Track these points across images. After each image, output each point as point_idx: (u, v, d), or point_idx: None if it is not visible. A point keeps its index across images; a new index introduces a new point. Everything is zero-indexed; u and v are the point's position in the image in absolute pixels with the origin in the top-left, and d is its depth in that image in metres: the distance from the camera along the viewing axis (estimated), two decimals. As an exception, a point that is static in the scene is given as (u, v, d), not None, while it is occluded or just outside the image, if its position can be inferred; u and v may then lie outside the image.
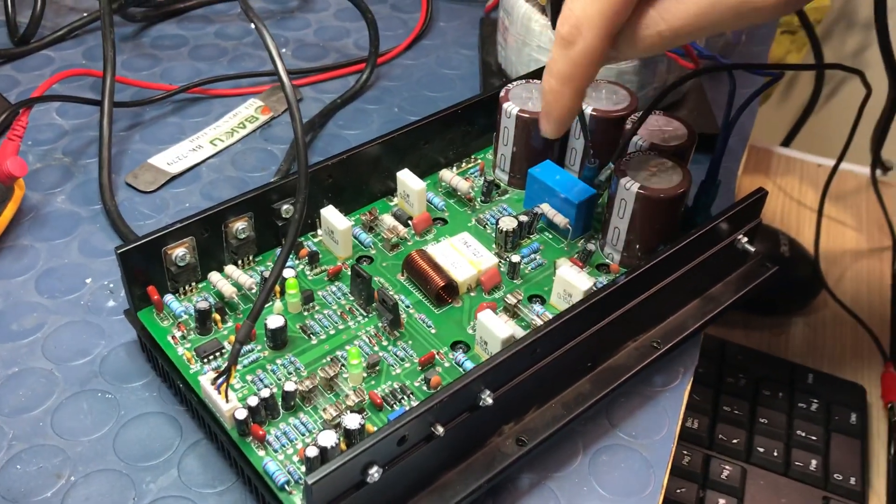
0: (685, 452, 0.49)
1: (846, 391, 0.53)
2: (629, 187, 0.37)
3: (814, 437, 0.50)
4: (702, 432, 0.50)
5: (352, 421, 0.31)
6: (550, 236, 0.41)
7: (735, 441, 0.50)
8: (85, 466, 0.35)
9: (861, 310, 0.60)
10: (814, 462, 0.48)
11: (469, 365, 0.35)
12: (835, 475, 0.48)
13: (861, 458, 0.49)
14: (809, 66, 0.55)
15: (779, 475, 0.48)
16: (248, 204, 0.38)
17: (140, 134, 0.52)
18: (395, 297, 0.36)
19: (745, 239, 0.40)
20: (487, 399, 0.31)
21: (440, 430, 0.30)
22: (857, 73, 0.43)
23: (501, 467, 0.33)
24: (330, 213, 0.39)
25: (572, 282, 0.36)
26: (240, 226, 0.37)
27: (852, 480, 0.48)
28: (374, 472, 0.28)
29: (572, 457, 0.36)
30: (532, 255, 0.40)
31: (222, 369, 0.32)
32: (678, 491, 0.47)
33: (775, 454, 0.49)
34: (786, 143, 0.86)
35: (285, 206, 0.39)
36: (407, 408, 0.33)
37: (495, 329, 0.34)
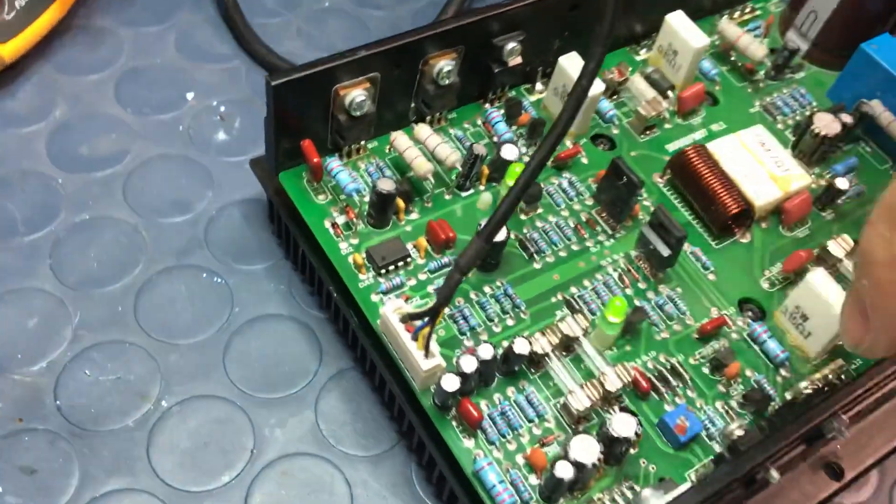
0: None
1: None
2: None
3: None
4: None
5: (622, 426, 0.19)
6: (870, 150, 0.28)
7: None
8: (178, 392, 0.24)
9: None
10: None
11: (773, 347, 0.23)
12: None
13: None
14: None
15: None
16: (458, 34, 0.24)
17: None
18: (681, 228, 0.23)
19: None
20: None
21: (775, 476, 0.19)
22: None
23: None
24: (570, 64, 0.26)
25: None
26: (444, 66, 0.24)
27: None
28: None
29: None
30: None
31: (424, 308, 0.20)
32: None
33: None
34: None
35: (511, 45, 0.25)
36: (685, 404, 0.22)
37: (830, 297, 0.22)
